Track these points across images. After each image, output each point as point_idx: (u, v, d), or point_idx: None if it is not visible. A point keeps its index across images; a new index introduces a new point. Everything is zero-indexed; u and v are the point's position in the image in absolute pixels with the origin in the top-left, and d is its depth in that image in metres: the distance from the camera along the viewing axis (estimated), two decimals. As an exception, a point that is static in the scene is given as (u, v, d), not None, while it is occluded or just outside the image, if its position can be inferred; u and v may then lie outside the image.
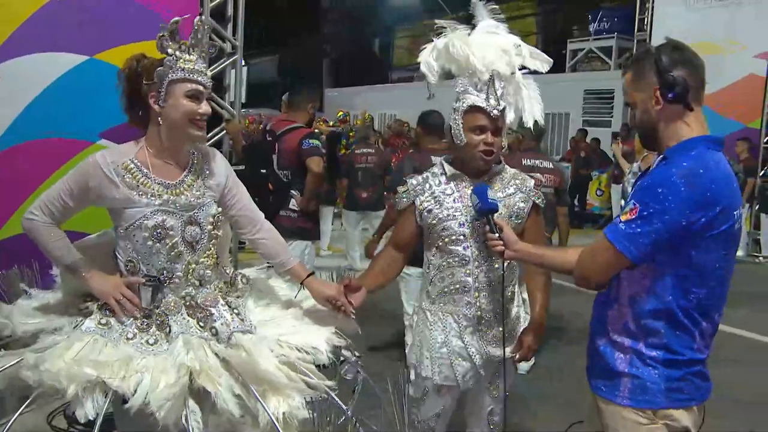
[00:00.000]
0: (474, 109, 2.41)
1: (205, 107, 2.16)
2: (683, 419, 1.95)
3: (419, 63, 2.55)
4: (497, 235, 2.26)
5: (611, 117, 13.86)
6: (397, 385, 2.57)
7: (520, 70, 2.47)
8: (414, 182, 2.58)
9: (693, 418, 1.97)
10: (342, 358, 2.29)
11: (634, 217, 1.85)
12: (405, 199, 2.58)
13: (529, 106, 2.49)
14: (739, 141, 10.19)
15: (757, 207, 10.38)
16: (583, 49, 17.44)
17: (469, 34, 2.46)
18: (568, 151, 13.88)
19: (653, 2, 12.39)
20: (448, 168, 2.54)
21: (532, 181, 2.63)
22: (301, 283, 2.39)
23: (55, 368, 1.85)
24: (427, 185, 2.54)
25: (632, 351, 1.96)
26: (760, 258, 10.21)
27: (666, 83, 1.88)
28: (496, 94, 2.41)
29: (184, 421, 1.84)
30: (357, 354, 2.32)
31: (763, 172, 10.38)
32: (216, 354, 2.05)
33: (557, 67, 17.91)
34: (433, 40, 2.51)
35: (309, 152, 4.46)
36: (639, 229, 1.83)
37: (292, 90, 4.99)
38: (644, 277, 1.92)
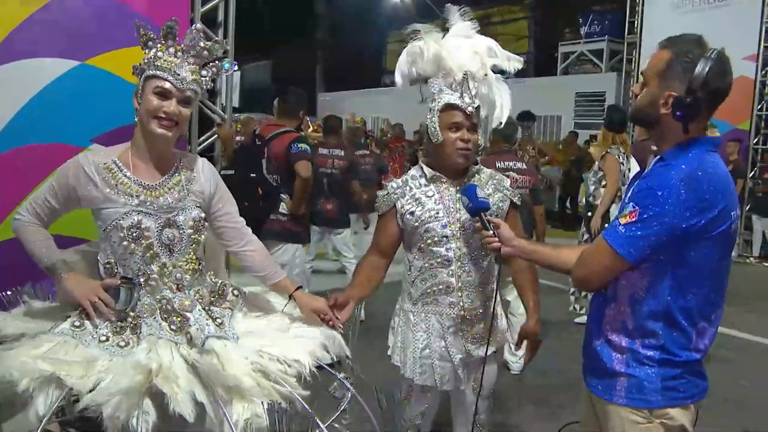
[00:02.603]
0: (449, 106, 2.45)
1: (173, 106, 2.12)
2: (680, 417, 1.95)
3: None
4: (492, 232, 2.26)
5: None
6: (383, 393, 2.56)
7: (494, 72, 2.54)
8: (394, 185, 2.59)
9: (689, 416, 1.97)
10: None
11: (633, 219, 1.85)
12: (385, 203, 2.58)
13: (499, 108, 2.56)
14: (729, 142, 10.24)
15: (747, 208, 10.45)
16: (575, 52, 17.54)
17: (443, 37, 2.51)
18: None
19: (643, 5, 12.47)
20: (427, 170, 2.56)
21: (508, 181, 2.68)
22: (290, 296, 2.38)
23: (8, 363, 1.82)
24: (407, 188, 2.56)
25: (629, 351, 1.97)
26: (751, 258, 10.29)
27: (682, 102, 1.85)
28: (471, 92, 2.46)
29: (134, 421, 1.77)
30: (346, 375, 2.28)
31: (752, 173, 10.44)
32: (185, 358, 2.01)
33: (549, 70, 18.07)
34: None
35: (297, 156, 4.48)
36: (639, 232, 1.84)
37: (283, 95, 5.00)
38: (643, 277, 1.92)
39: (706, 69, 1.82)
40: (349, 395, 2.20)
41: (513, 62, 2.57)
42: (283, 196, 4.53)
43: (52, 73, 3.55)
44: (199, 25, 2.19)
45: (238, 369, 1.97)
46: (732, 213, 1.89)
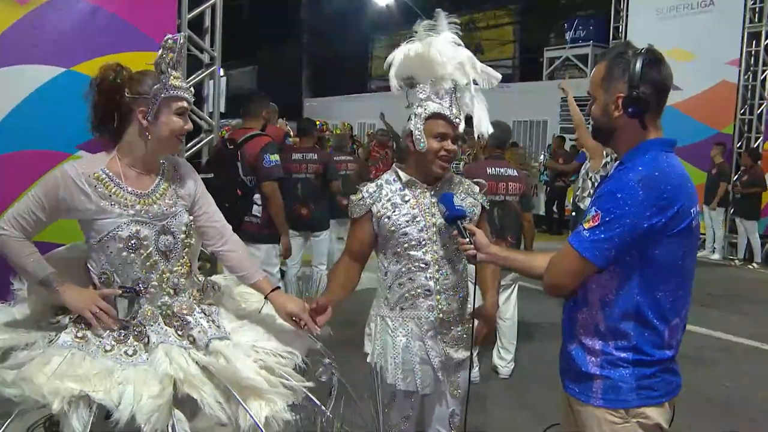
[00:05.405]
0: (436, 116, 2.46)
1: (189, 123, 2.23)
2: (655, 416, 1.98)
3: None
4: (468, 240, 2.29)
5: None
6: (369, 386, 2.58)
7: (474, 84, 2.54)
8: (370, 190, 2.58)
9: (664, 415, 2.01)
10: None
11: (597, 224, 1.90)
12: (360, 207, 2.57)
13: (478, 119, 2.57)
14: (715, 145, 10.35)
15: (732, 211, 10.54)
16: (560, 57, 17.63)
17: (435, 42, 2.49)
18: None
19: (627, 11, 12.58)
20: (402, 175, 2.57)
21: (477, 187, 2.71)
22: (266, 297, 2.36)
23: (37, 383, 1.80)
24: (383, 192, 2.56)
25: (602, 353, 2.00)
26: (736, 261, 10.38)
27: (631, 98, 1.93)
28: (457, 103, 2.48)
29: (170, 430, 1.83)
30: (330, 360, 2.32)
31: (737, 176, 10.55)
32: (196, 362, 2.04)
33: (534, 75, 18.11)
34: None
35: (266, 176, 4.60)
36: (602, 235, 1.89)
37: (246, 99, 5.14)
38: (611, 279, 1.96)
39: (642, 63, 1.93)
40: (335, 379, 2.26)
41: (490, 77, 2.57)
42: (256, 197, 4.66)
43: (38, 80, 3.54)
44: (185, 35, 2.21)
45: (248, 368, 2.02)
46: (691, 210, 1.95)
